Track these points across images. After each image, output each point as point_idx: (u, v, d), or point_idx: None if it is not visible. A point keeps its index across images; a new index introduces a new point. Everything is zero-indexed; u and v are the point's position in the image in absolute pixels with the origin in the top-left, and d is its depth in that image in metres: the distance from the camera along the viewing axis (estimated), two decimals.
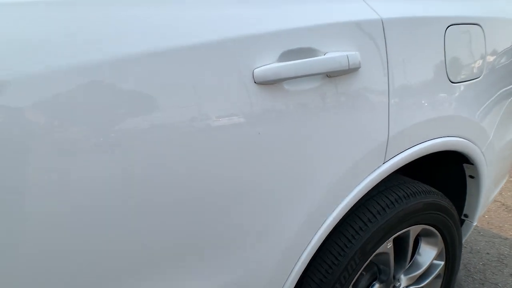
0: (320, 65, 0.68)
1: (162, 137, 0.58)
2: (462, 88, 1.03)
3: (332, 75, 0.73)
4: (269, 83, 0.66)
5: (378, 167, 0.87)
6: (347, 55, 0.72)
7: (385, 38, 0.83)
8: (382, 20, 0.83)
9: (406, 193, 1.05)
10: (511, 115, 1.36)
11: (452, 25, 0.99)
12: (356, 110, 0.79)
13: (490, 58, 1.13)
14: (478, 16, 1.08)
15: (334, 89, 0.75)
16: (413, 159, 0.95)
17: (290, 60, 0.69)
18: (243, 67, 0.64)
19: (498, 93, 1.22)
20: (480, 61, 1.09)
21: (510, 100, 1.30)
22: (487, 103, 1.15)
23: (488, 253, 2.00)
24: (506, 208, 2.46)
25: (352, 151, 0.80)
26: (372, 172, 0.85)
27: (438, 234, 1.20)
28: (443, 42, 0.96)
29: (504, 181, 1.65)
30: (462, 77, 1.03)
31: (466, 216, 1.41)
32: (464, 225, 1.44)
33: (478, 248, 2.05)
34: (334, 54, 0.71)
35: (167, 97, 0.58)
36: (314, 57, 0.72)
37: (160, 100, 0.57)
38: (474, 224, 1.41)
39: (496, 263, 1.92)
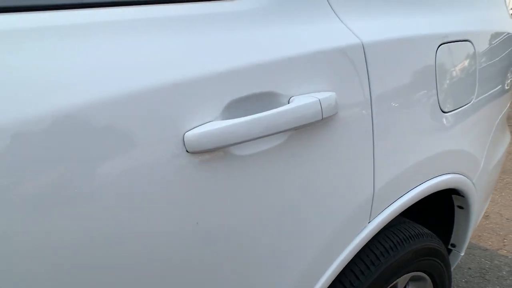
0: (281, 120, 0.47)
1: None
2: (454, 117, 0.85)
3: (301, 127, 0.52)
4: (208, 152, 0.44)
5: (362, 229, 0.67)
6: (319, 100, 0.51)
7: (367, 67, 0.63)
8: (363, 44, 0.62)
9: (393, 243, 0.87)
10: (498, 137, 1.20)
11: (443, 44, 0.80)
12: (332, 166, 0.59)
13: (481, 78, 0.95)
14: (468, 31, 0.90)
15: (303, 143, 0.54)
16: (403, 209, 0.76)
17: (241, 113, 0.47)
18: (167, 130, 0.42)
19: (489, 115, 1.05)
20: (473, 83, 0.91)
21: (498, 120, 1.14)
22: (478, 128, 0.98)
23: (469, 268, 1.87)
24: (484, 214, 2.36)
25: (325, 223, 0.59)
26: (353, 239, 0.65)
27: (428, 278, 1.03)
28: (434, 66, 0.77)
29: (491, 195, 1.51)
30: (454, 104, 0.85)
31: (453, 245, 1.25)
32: (451, 255, 1.28)
33: (459, 262, 1.92)
34: (302, 101, 0.50)
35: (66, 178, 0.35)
36: (275, 103, 0.51)
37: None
38: (462, 254, 1.25)
39: (479, 279, 1.79)
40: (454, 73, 0.83)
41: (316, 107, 0.50)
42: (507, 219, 2.26)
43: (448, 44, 0.81)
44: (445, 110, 0.81)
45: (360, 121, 0.62)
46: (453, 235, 1.22)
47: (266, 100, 0.50)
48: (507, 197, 2.52)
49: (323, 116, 0.51)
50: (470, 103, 0.91)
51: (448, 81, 0.81)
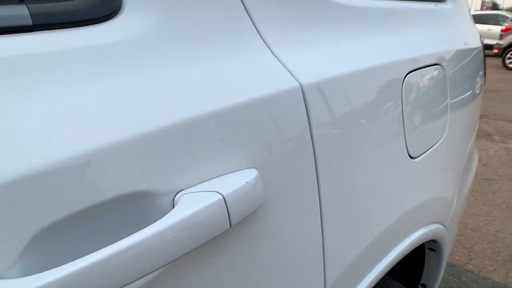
0: (150, 255, 0.25)
1: None
2: (425, 161, 0.67)
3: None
4: None
5: None
6: (223, 197, 0.30)
7: (309, 122, 0.43)
8: (302, 88, 0.42)
9: None
10: (469, 163, 1.06)
11: (410, 72, 0.62)
12: (258, 278, 0.38)
13: (453, 107, 0.79)
14: (437, 53, 0.73)
15: (201, 261, 0.33)
16: None
17: (68, 249, 0.26)
18: None
19: (460, 145, 0.89)
20: (444, 115, 0.75)
21: (468, 150, 0.99)
22: (450, 165, 0.82)
23: None
24: None
25: None
26: None
27: None
28: (401, 102, 0.58)
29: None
30: (424, 145, 0.67)
31: (424, 286, 1.10)
32: None
33: None
34: (193, 204, 0.29)
35: None
36: (144, 212, 0.29)
37: None
38: None
39: None
40: (424, 107, 0.66)
41: (217, 210, 0.29)
42: (472, 229, 2.19)
43: (416, 72, 0.63)
44: (414, 155, 0.63)
45: (301, 200, 0.41)
46: (423, 276, 1.06)
47: (126, 209, 0.28)
48: (471, 204, 2.46)
49: (232, 223, 0.30)
50: (441, 139, 0.74)
51: (417, 119, 0.63)
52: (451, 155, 0.81)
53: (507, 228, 2.17)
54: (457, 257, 1.95)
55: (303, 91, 0.42)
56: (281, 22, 0.45)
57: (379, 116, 0.52)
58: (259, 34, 0.44)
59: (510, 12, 11.51)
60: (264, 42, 0.44)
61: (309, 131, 0.42)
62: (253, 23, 0.43)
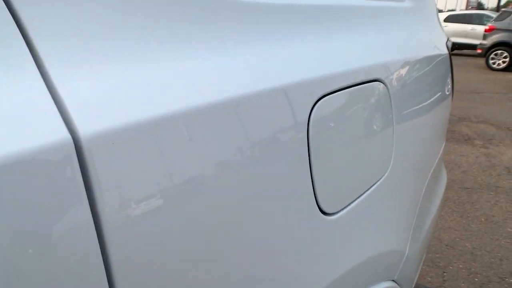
0: None
1: None
2: (353, 213, 0.50)
3: None
4: None
5: None
6: None
7: (92, 202, 0.25)
8: (76, 141, 0.24)
9: None
10: (431, 192, 0.90)
11: (325, 96, 0.44)
12: None
13: (402, 133, 0.63)
14: (379, 64, 0.56)
15: None
16: None
17: None
18: None
19: (414, 178, 0.73)
20: (387, 146, 0.58)
21: (428, 178, 0.83)
22: (399, 207, 0.66)
23: None
24: None
25: None
26: None
27: None
28: (306, 142, 0.41)
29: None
30: (351, 194, 0.50)
31: None
32: None
33: None
34: None
35: None
36: None
37: None
38: None
39: None
40: (350, 142, 0.48)
41: None
42: (447, 246, 2.06)
43: (336, 94, 0.46)
44: (332, 210, 0.46)
45: None
46: None
47: None
48: (447, 217, 2.34)
49: None
50: (383, 177, 0.57)
51: (337, 161, 0.46)
52: (401, 193, 0.64)
53: (485, 244, 2.05)
54: (429, 278, 1.81)
55: (78, 149, 0.24)
56: (75, 26, 0.27)
57: (260, 168, 0.35)
58: (28, 46, 0.25)
59: (495, 12, 11.63)
60: (34, 60, 0.25)
61: (91, 221, 0.24)
62: (19, 28, 0.25)
